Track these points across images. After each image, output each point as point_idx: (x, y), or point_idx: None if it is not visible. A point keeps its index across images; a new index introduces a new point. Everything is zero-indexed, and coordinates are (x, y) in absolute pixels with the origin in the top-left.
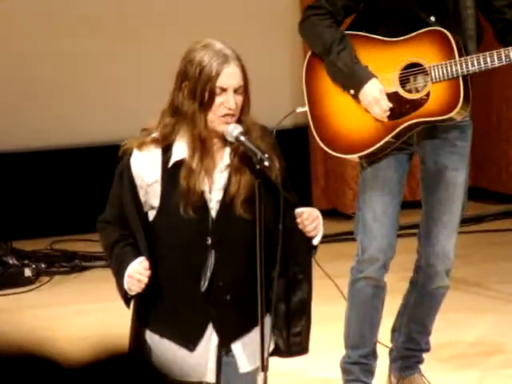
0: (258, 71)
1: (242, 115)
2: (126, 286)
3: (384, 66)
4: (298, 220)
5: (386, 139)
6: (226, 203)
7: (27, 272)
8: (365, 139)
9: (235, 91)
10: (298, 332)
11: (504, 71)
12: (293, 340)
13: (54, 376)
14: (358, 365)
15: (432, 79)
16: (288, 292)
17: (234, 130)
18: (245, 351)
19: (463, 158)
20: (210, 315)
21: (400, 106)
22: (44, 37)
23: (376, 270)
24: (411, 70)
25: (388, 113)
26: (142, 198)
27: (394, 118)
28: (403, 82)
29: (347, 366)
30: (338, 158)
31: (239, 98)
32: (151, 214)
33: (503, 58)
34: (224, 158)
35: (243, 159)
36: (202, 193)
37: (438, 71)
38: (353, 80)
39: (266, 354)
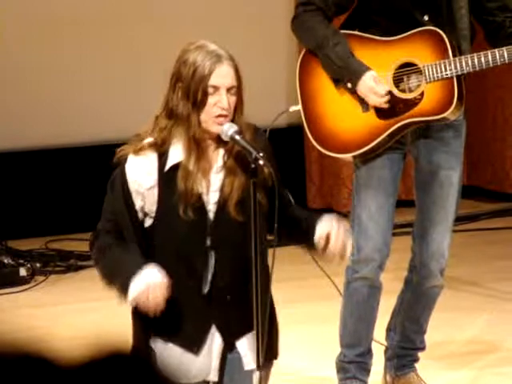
0: (252, 71)
1: (235, 116)
2: (135, 293)
3: (378, 66)
4: (327, 245)
5: (380, 139)
6: (222, 205)
7: (22, 271)
8: (358, 139)
9: (228, 91)
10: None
11: (498, 70)
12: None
13: (50, 376)
14: (353, 363)
15: (426, 79)
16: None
17: (229, 129)
18: (249, 348)
19: (457, 157)
20: (212, 316)
21: (394, 106)
22: (40, 39)
23: (372, 270)
24: (405, 70)
25: (387, 97)
26: (140, 203)
27: (388, 118)
28: (397, 81)
29: (343, 365)
30: (335, 157)
31: (232, 99)
32: (149, 220)
33: (497, 58)
34: (219, 158)
35: (237, 159)
36: (200, 194)
37: (432, 71)
38: (349, 73)
39: (261, 353)
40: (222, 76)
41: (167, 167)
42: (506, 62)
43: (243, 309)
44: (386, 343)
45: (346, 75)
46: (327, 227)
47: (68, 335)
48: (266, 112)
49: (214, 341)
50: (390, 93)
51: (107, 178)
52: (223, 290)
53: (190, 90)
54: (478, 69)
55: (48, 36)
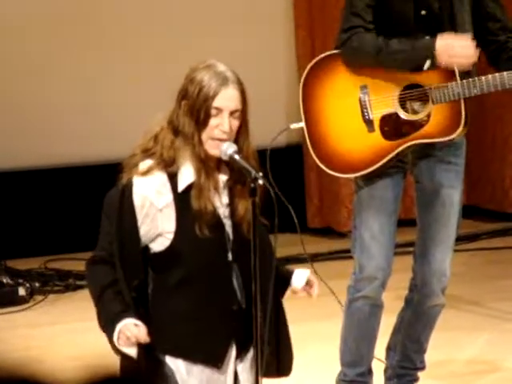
0: (251, 90)
1: (239, 139)
2: (115, 338)
3: (384, 86)
4: (310, 291)
5: (386, 159)
6: (236, 220)
7: (21, 291)
8: (364, 159)
9: (231, 115)
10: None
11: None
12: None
13: None
14: (354, 383)
15: (433, 101)
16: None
17: (228, 148)
18: (245, 366)
19: (458, 176)
20: (234, 330)
21: (400, 127)
22: (39, 55)
23: (374, 289)
24: (411, 91)
25: (474, 46)
26: (146, 227)
27: (394, 139)
28: (403, 102)
29: None
30: (335, 176)
31: (234, 122)
32: (165, 241)
33: (506, 81)
34: (224, 173)
35: (243, 180)
36: (215, 210)
37: (440, 93)
38: (422, 50)
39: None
40: (226, 99)
41: (181, 187)
42: None
43: (250, 320)
44: (386, 362)
45: (420, 54)
46: (305, 277)
47: (66, 355)
48: (265, 131)
49: (232, 354)
50: (395, 114)
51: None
52: (242, 303)
53: (194, 108)
54: (486, 92)
55: (47, 56)
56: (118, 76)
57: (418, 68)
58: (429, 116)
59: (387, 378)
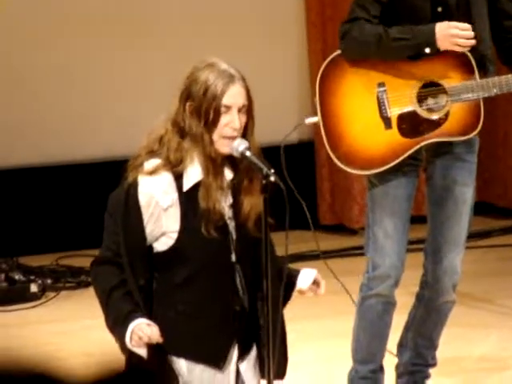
0: (263, 87)
1: (246, 135)
2: (127, 338)
3: (403, 84)
4: (317, 291)
5: (403, 157)
6: (240, 220)
7: (33, 288)
8: (381, 156)
9: (239, 111)
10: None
11: None
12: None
13: None
14: (366, 379)
15: (452, 100)
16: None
17: (239, 145)
18: (248, 366)
19: (472, 173)
20: (236, 330)
21: (418, 125)
22: (45, 51)
23: (388, 287)
24: (429, 89)
25: (471, 33)
26: (151, 226)
27: (411, 136)
28: (420, 100)
29: (356, 381)
30: (347, 173)
31: (243, 119)
32: (168, 240)
33: None
34: (229, 173)
35: (250, 177)
36: (221, 210)
37: (459, 92)
38: (422, 37)
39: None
40: (234, 96)
41: (187, 186)
42: None
43: (255, 322)
44: (397, 359)
45: (421, 41)
46: (311, 277)
47: (78, 352)
48: (276, 128)
49: (233, 356)
50: (414, 112)
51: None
52: (245, 304)
53: (201, 109)
54: (505, 91)
55: (58, 51)
56: (125, 72)
57: (419, 55)
58: (447, 115)
59: (399, 375)
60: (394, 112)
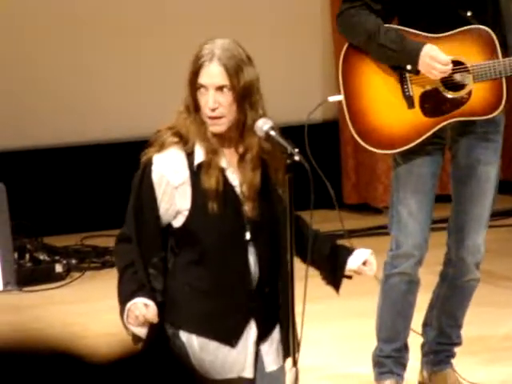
0: (288, 67)
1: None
2: (124, 316)
3: None
4: (365, 268)
5: (425, 136)
6: (254, 197)
7: (58, 268)
8: (404, 135)
9: (218, 90)
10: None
11: None
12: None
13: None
14: (390, 358)
15: (474, 79)
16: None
17: (263, 125)
18: (270, 349)
19: (496, 152)
20: (252, 309)
21: (440, 104)
22: (62, 41)
23: (411, 266)
24: (453, 68)
25: (451, 66)
26: (166, 205)
27: (434, 116)
28: (444, 79)
29: (380, 359)
30: (371, 152)
31: (224, 99)
32: (181, 218)
33: None
34: (239, 149)
35: (264, 152)
36: (233, 188)
37: (481, 71)
38: (406, 55)
39: (295, 349)
40: (208, 75)
41: (195, 164)
42: None
43: (275, 301)
44: (422, 338)
45: (404, 57)
46: (362, 257)
47: (103, 332)
48: (302, 108)
49: (250, 335)
50: (436, 90)
51: None
52: (262, 283)
53: (188, 87)
54: None
55: (70, 38)
56: (154, 56)
57: (400, 68)
58: (470, 94)
59: (424, 354)
60: (416, 91)
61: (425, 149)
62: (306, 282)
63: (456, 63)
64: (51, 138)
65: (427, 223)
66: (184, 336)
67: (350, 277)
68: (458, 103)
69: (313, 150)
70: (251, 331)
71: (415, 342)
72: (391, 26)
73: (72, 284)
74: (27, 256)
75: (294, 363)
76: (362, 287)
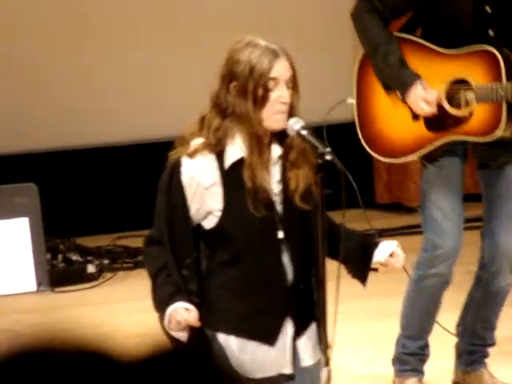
0: (307, 67)
1: (293, 112)
2: (166, 322)
3: (432, 77)
4: (392, 260)
5: (422, 151)
6: (287, 196)
7: (90, 268)
8: (404, 145)
9: (287, 85)
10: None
11: None
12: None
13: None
14: (414, 356)
15: (477, 99)
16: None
17: (295, 124)
18: (306, 345)
19: None
20: (288, 306)
21: (443, 120)
22: (72, 42)
23: (447, 267)
24: (458, 86)
25: (436, 108)
26: (196, 205)
27: (436, 130)
28: (450, 96)
29: (403, 356)
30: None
31: (290, 92)
32: (213, 219)
33: None
34: (275, 149)
35: (299, 152)
36: (268, 188)
37: (484, 93)
38: (398, 84)
39: (328, 347)
40: (280, 71)
41: (228, 165)
42: None
43: (310, 298)
44: (456, 338)
45: (396, 86)
46: (388, 250)
47: (135, 332)
48: (321, 107)
49: (288, 332)
50: (440, 106)
51: None
52: (297, 280)
53: (247, 88)
54: None
55: (78, 39)
56: (172, 58)
57: (391, 90)
58: (471, 113)
59: (458, 355)
60: None
61: (452, 150)
62: (339, 283)
63: (461, 81)
64: (84, 139)
65: (461, 223)
66: (222, 338)
67: (376, 269)
68: (460, 121)
69: (345, 150)
70: (288, 328)
71: (448, 341)
72: (405, 36)
73: (104, 284)
74: (60, 257)
75: (327, 363)
76: (395, 286)
